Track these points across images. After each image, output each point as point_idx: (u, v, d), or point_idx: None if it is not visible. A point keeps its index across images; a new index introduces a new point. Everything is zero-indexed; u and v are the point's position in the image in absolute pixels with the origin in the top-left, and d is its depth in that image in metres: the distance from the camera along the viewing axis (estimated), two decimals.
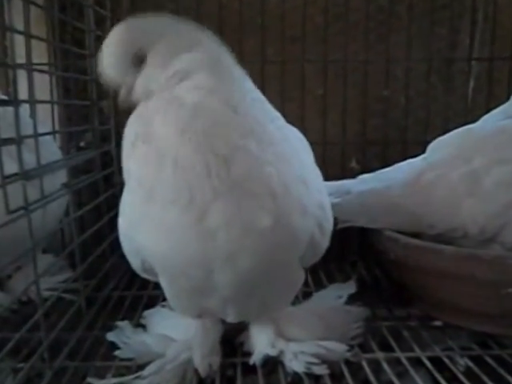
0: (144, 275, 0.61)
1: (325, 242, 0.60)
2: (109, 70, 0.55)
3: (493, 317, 0.66)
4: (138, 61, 0.53)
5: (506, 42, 0.97)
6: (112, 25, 0.95)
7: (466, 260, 0.64)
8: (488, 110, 0.94)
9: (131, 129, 0.53)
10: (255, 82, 0.98)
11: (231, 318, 0.60)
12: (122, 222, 0.58)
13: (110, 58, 0.54)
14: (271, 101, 0.98)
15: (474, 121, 0.85)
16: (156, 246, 0.52)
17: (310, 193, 0.55)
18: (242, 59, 0.96)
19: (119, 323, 0.69)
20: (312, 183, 0.57)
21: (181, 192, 0.49)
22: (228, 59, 0.56)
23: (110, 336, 0.66)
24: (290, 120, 0.97)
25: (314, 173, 0.61)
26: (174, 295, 0.61)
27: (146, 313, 0.72)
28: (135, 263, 0.59)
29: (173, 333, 0.63)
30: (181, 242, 0.50)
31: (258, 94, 0.58)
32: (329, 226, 0.60)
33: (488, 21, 0.98)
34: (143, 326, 0.69)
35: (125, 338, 0.65)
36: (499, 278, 0.62)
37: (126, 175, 0.55)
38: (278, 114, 0.60)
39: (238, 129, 0.50)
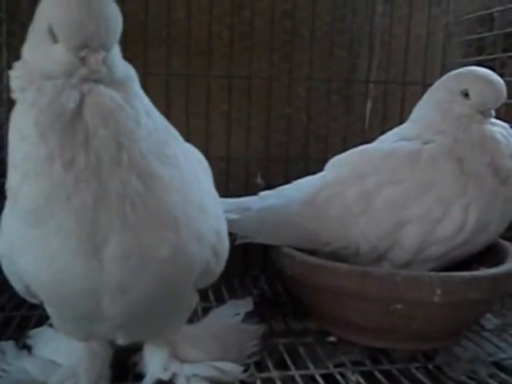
0: (29, 299, 0.56)
1: (219, 268, 0.59)
2: None
3: (383, 332, 0.68)
4: None
5: (400, 68, 1.03)
6: (9, 28, 0.91)
7: (357, 277, 0.66)
8: (383, 130, 0.99)
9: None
10: (159, 94, 0.97)
11: (121, 341, 0.58)
12: (1, 241, 0.52)
13: None
14: (176, 115, 0.98)
15: (370, 140, 0.89)
16: (39, 273, 0.48)
17: (208, 221, 0.54)
18: (147, 71, 0.96)
19: (2, 344, 0.64)
20: (210, 209, 0.55)
21: (79, 225, 0.45)
22: None
23: None
24: (194, 134, 0.98)
25: (212, 197, 0.59)
26: (60, 321, 0.57)
27: (32, 333, 0.67)
28: (18, 287, 0.55)
29: (58, 357, 0.60)
30: (68, 273, 0.46)
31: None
32: (224, 253, 0.59)
33: (384, 47, 1.04)
34: (29, 348, 0.65)
35: (5, 364, 0.60)
36: (388, 294, 0.64)
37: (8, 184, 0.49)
38: (177, 133, 0.56)
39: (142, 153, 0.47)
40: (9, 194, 0.49)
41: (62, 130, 0.44)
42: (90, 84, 0.46)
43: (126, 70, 0.50)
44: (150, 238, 0.47)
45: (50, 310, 0.56)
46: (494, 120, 0.75)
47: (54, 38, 0.45)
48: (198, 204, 0.52)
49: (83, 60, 0.45)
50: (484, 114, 0.74)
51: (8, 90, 0.90)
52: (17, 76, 0.49)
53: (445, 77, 0.80)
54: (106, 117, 0.45)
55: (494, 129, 0.74)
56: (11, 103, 0.99)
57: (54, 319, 0.58)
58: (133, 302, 0.49)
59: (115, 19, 0.46)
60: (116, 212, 0.45)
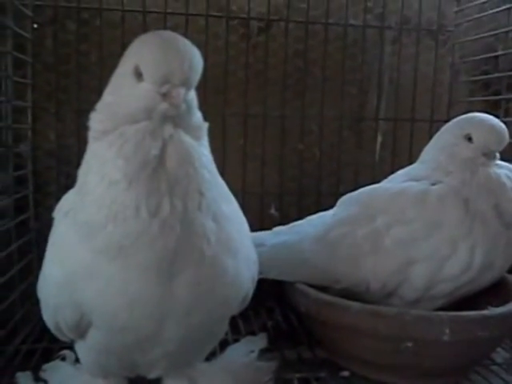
0: (65, 333, 0.57)
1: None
2: None
3: (395, 368, 0.71)
4: None
5: (408, 104, 1.06)
6: (34, 70, 0.95)
7: (369, 316, 0.68)
8: (393, 163, 1.02)
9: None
10: None
11: (155, 374, 0.59)
12: (61, 273, 0.52)
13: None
14: None
15: (381, 173, 0.92)
16: (110, 299, 0.50)
17: (252, 248, 0.59)
18: None
19: (20, 375, 0.66)
20: (250, 238, 0.59)
21: (160, 263, 0.48)
22: None
23: None
24: None
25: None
26: (106, 352, 0.56)
27: (46, 367, 0.68)
28: (70, 319, 0.54)
29: None
30: (142, 298, 0.49)
31: None
32: (255, 282, 0.61)
33: (392, 85, 1.07)
34: (46, 382, 0.66)
35: None
36: (398, 333, 0.67)
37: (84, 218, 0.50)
38: None
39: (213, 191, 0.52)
40: (84, 228, 0.50)
41: (147, 179, 0.47)
42: (170, 127, 0.48)
43: (200, 117, 0.54)
44: (218, 265, 0.51)
45: (96, 341, 0.55)
46: (500, 162, 0.78)
47: (138, 77, 0.49)
48: (247, 232, 0.58)
49: (165, 96, 0.48)
50: (488, 156, 0.76)
51: (32, 127, 0.96)
52: (101, 120, 0.52)
53: (449, 123, 0.83)
54: (187, 166, 0.48)
55: (500, 171, 0.76)
56: (35, 140, 1.03)
57: (94, 352, 0.58)
58: (193, 323, 0.52)
59: (197, 60, 0.49)
60: (194, 249, 0.49)
